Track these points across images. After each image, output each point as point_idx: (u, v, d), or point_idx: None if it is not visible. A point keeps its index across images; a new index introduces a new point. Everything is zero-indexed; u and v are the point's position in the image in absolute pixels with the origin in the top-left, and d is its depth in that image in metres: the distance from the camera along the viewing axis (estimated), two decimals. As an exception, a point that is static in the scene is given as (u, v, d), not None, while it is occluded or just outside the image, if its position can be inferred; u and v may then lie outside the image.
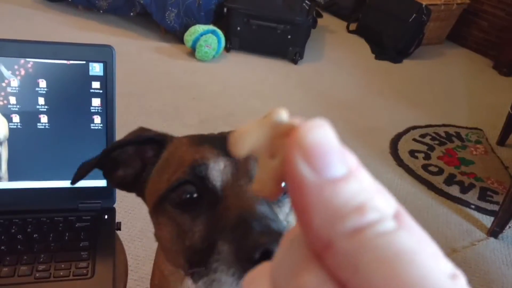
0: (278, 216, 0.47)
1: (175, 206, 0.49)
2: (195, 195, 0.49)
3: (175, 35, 3.16)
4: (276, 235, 0.39)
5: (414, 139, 2.52)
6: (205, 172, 0.48)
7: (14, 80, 0.85)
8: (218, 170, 0.49)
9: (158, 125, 2.51)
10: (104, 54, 0.87)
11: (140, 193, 0.59)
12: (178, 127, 2.31)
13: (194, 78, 2.83)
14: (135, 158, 0.60)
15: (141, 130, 0.60)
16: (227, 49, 3.17)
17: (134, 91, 2.53)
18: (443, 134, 2.62)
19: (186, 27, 3.04)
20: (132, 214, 1.74)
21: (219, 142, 0.51)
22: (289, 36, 3.13)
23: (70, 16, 3.28)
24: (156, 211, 0.53)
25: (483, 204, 2.10)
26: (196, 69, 2.92)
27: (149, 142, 0.59)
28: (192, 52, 3.03)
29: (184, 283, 0.55)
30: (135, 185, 0.60)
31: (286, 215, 0.50)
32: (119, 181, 0.60)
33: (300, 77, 3.07)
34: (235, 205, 0.45)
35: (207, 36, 2.93)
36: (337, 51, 3.57)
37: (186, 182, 0.49)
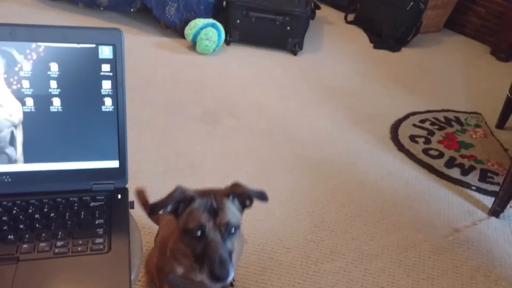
0: (228, 245, 0.97)
1: (191, 236, 0.98)
2: (199, 234, 0.96)
3: (176, 29, 3.19)
4: (225, 266, 0.92)
5: (414, 125, 2.55)
6: (204, 228, 0.96)
7: (26, 64, 0.88)
8: (209, 228, 0.96)
9: (161, 118, 2.55)
10: (113, 37, 0.90)
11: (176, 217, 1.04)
12: (181, 119, 2.34)
13: (196, 71, 2.86)
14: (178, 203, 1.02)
15: (182, 191, 1.01)
16: (227, 42, 3.20)
17: (136, 85, 2.56)
18: (442, 119, 2.65)
19: (186, 22, 3.07)
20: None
21: (212, 212, 0.97)
22: (288, 28, 3.16)
23: (71, 14, 3.31)
24: (183, 232, 1.00)
25: (483, 185, 2.13)
26: (197, 63, 2.95)
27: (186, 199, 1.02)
28: (193, 46, 3.07)
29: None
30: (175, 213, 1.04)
31: (232, 243, 0.98)
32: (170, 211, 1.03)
33: (300, 67, 3.10)
34: (212, 247, 0.95)
35: (207, 30, 2.96)
36: (336, 42, 3.59)
37: (196, 228, 0.96)
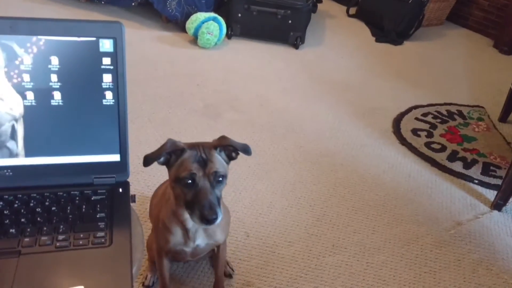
0: (217, 192, 1.05)
1: (182, 184, 1.05)
2: (190, 182, 1.04)
3: (177, 23, 3.18)
4: (214, 210, 1.01)
5: (416, 118, 2.54)
6: (195, 176, 1.04)
7: (27, 57, 0.88)
8: (199, 176, 1.04)
9: (163, 112, 2.54)
10: (114, 30, 0.90)
11: (168, 167, 1.11)
12: (183, 113, 2.34)
13: (197, 65, 2.85)
14: (169, 155, 1.10)
15: (173, 143, 1.09)
16: (229, 35, 3.19)
17: (138, 79, 2.56)
18: (445, 113, 2.64)
19: (187, 16, 3.06)
20: (143, 197, 1.77)
21: (202, 162, 1.05)
22: (289, 21, 3.15)
23: (73, 8, 3.30)
24: (174, 181, 1.08)
25: (486, 179, 2.12)
26: (199, 56, 2.94)
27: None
28: (194, 40, 3.06)
29: (184, 213, 1.11)
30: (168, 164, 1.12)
31: (220, 191, 1.07)
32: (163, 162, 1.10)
33: (301, 61, 3.09)
34: (202, 193, 1.03)
35: (208, 24, 2.95)
36: (338, 35, 3.58)
37: (188, 177, 1.04)
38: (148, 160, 1.07)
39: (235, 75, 2.81)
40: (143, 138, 2.11)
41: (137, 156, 1.96)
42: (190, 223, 1.13)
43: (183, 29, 3.11)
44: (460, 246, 1.74)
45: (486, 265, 1.67)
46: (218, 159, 1.09)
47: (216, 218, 1.01)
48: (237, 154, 1.12)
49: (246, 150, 1.11)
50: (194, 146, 1.08)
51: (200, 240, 1.19)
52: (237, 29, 3.20)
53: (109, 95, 0.93)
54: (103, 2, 3.23)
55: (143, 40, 3.04)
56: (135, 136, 2.10)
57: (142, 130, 2.16)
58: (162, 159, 1.09)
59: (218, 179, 1.06)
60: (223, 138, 1.12)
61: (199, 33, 2.95)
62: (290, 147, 2.20)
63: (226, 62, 2.95)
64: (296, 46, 3.22)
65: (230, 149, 1.11)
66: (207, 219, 1.01)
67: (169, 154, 1.08)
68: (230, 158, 1.12)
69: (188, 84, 2.62)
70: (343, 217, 1.82)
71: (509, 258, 1.72)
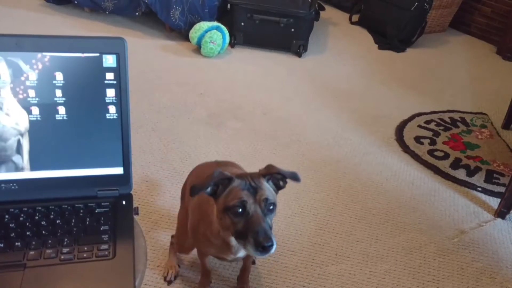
0: (268, 221, 1.04)
1: (232, 213, 1.03)
2: (240, 210, 1.02)
3: (180, 32, 3.21)
4: (269, 237, 0.98)
5: (419, 126, 2.55)
6: (246, 204, 1.02)
7: (32, 73, 0.89)
8: (250, 203, 1.02)
9: (166, 121, 2.55)
10: (117, 46, 0.91)
11: (215, 199, 1.09)
12: (186, 122, 2.36)
13: (201, 74, 2.87)
14: (217, 185, 1.07)
15: (221, 172, 1.06)
16: (232, 44, 3.22)
17: (142, 88, 2.58)
18: (448, 120, 2.64)
19: (191, 25, 3.09)
20: (146, 207, 1.78)
21: (252, 189, 1.04)
22: (292, 30, 3.17)
23: (77, 18, 3.34)
24: (223, 211, 1.05)
25: (489, 187, 2.12)
26: (202, 65, 2.97)
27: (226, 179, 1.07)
28: (197, 49, 3.08)
29: (231, 239, 1.09)
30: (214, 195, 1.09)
31: (271, 220, 1.05)
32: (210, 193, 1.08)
33: (304, 69, 3.11)
34: (255, 220, 1.01)
35: (211, 33, 2.97)
36: (341, 43, 3.59)
37: (238, 205, 1.02)
38: (195, 190, 1.04)
39: (238, 83, 2.83)
40: (147, 148, 2.13)
41: (141, 165, 1.99)
42: (237, 245, 1.10)
43: (186, 38, 3.14)
44: (464, 254, 1.74)
45: (490, 274, 1.67)
46: (267, 187, 1.06)
47: (272, 245, 0.98)
48: (285, 182, 1.10)
49: (295, 177, 1.09)
50: (241, 175, 1.07)
51: (242, 253, 1.19)
52: (240, 38, 3.23)
53: (112, 109, 0.95)
54: (107, 12, 3.26)
55: (147, 49, 3.07)
56: (139, 145, 2.12)
57: (145, 139, 2.18)
58: (209, 189, 1.06)
59: (269, 207, 1.03)
60: (270, 166, 1.10)
61: (202, 42, 2.98)
62: (293, 156, 2.21)
63: (229, 71, 2.97)
64: (299, 54, 3.24)
65: (278, 177, 1.09)
66: (263, 246, 0.97)
67: (216, 184, 1.06)
68: (277, 187, 1.10)
69: (191, 93, 2.64)
70: (346, 226, 1.83)
71: (512, 266, 1.72)
